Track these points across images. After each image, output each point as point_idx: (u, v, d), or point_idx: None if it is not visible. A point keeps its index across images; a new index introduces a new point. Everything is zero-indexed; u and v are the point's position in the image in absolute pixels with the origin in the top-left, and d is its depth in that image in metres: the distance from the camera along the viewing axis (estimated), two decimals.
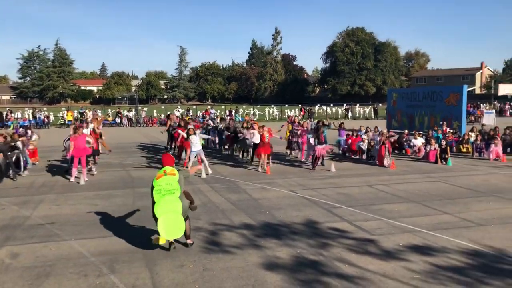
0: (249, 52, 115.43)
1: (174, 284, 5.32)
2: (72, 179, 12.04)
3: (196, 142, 12.94)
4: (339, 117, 43.32)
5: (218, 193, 10.51)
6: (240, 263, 6.00)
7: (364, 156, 15.97)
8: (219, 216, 8.47)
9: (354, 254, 6.29)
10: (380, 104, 49.25)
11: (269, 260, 6.10)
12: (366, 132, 17.46)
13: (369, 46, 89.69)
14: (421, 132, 19.74)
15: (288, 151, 16.82)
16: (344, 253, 6.32)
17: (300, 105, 50.72)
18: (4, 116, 36.83)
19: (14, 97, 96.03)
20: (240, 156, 16.48)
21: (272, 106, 49.82)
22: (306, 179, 12.26)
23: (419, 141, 17.00)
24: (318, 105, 53.41)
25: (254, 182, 11.80)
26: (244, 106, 52.07)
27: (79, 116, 36.47)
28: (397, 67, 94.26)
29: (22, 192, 10.79)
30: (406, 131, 19.31)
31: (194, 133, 13.04)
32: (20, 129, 16.59)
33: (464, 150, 17.26)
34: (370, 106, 48.76)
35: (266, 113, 45.26)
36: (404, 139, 17.71)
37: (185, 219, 6.46)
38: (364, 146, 15.83)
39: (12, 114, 37.39)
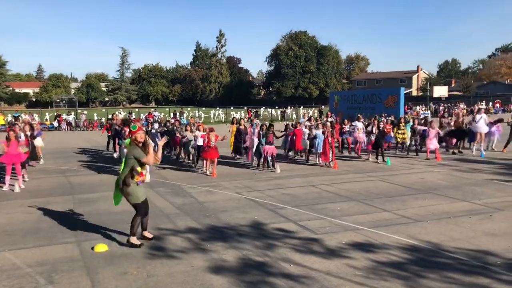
0: (193, 54, 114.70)
1: None
2: (6, 187, 11.39)
3: None
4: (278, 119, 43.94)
5: (162, 197, 10.34)
6: (185, 267, 5.93)
7: (305, 157, 16.18)
8: (163, 220, 8.33)
9: (299, 253, 6.40)
10: (323, 106, 50.45)
11: (215, 263, 6.07)
12: (309, 120, 17.58)
13: (312, 50, 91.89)
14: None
15: (233, 154, 16.83)
16: (289, 253, 6.41)
17: (246, 107, 50.99)
18: None
19: None
20: (186, 159, 16.31)
21: (218, 108, 49.78)
22: (252, 181, 12.33)
23: (360, 124, 17.20)
24: (264, 107, 54.00)
25: (200, 185, 11.72)
26: (189, 109, 51.63)
27: (13, 120, 34.61)
28: (338, 70, 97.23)
29: None
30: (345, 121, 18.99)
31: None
32: None
33: (400, 136, 17.43)
34: (314, 108, 49.92)
35: (212, 116, 45.18)
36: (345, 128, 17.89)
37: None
38: (306, 134, 15.73)
39: None
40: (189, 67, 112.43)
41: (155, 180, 12.47)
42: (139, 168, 6.70)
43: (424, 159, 15.89)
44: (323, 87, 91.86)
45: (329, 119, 19.55)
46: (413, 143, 17.33)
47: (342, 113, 25.87)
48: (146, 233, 7.12)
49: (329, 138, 14.35)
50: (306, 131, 15.86)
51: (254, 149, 14.70)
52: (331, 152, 14.38)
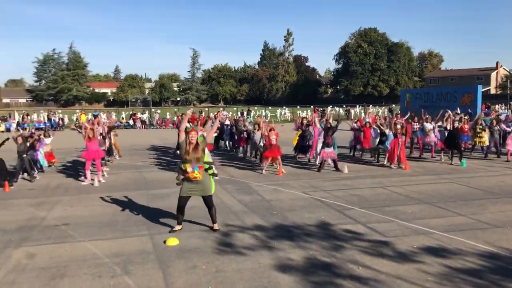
0: (261, 54, 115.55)
1: (187, 285, 5.34)
2: (87, 181, 12.16)
3: None
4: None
5: (230, 194, 10.53)
6: (252, 264, 6.01)
7: (374, 158, 15.76)
8: (231, 217, 8.49)
9: (367, 256, 6.26)
10: (393, 105, 48.86)
11: (281, 261, 6.09)
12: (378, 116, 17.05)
13: (382, 47, 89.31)
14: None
15: (296, 153, 16.70)
16: (358, 255, 6.29)
17: (312, 106, 50.60)
18: (21, 118, 37.43)
19: (30, 100, 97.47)
20: (254, 158, 16.49)
21: (284, 107, 49.85)
22: (318, 180, 12.22)
23: (430, 126, 16.36)
24: (331, 106, 53.29)
25: (266, 183, 11.81)
26: (256, 108, 52.16)
27: (93, 118, 36.83)
28: (410, 67, 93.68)
29: (38, 194, 10.95)
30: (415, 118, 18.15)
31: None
32: (33, 131, 16.82)
33: (478, 140, 16.12)
34: (384, 107, 48.49)
35: (278, 115, 45.31)
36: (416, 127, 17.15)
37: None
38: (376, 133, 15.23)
39: (28, 117, 37.93)
40: (256, 66, 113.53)
41: (223, 177, 12.73)
42: (183, 166, 7.20)
43: (504, 161, 14.90)
44: (394, 85, 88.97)
45: (399, 121, 18.77)
46: (492, 144, 16.23)
47: (414, 112, 24.90)
48: (214, 226, 7.64)
49: (400, 140, 13.86)
50: (376, 129, 15.42)
51: (318, 149, 14.54)
52: (399, 153, 13.86)
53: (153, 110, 48.37)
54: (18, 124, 35.69)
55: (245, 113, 41.31)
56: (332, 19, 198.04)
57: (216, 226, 7.62)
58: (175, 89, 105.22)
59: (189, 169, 7.17)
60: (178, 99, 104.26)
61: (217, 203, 9.57)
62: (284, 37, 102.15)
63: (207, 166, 7.59)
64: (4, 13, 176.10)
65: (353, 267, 5.85)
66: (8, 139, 12.49)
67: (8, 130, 34.49)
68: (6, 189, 11.30)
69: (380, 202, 9.56)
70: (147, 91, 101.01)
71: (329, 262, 6.06)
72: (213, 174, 7.88)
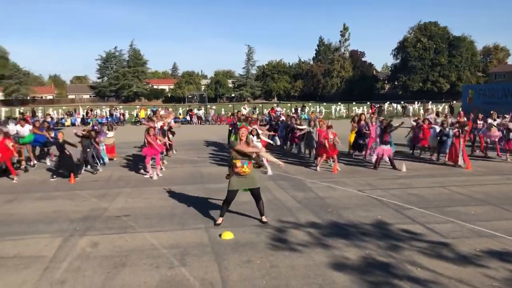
0: (316, 49, 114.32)
1: (242, 279, 5.41)
2: (148, 174, 12.57)
3: (256, 142, 12.94)
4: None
5: (284, 191, 10.53)
6: (307, 261, 5.98)
7: (434, 156, 15.15)
8: (285, 213, 8.49)
9: (426, 257, 6.04)
10: (454, 102, 46.75)
11: (336, 259, 6.02)
12: (437, 115, 16.30)
13: (443, 41, 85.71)
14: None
15: (351, 151, 16.39)
16: (416, 256, 6.09)
17: (368, 102, 49.45)
18: (85, 114, 39.39)
19: (93, 96, 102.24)
20: (308, 155, 16.39)
21: (339, 103, 49.03)
22: (375, 178, 11.95)
23: (494, 122, 15.42)
24: (388, 102, 51.84)
25: (320, 180, 11.70)
26: (310, 104, 51.70)
27: (152, 114, 38.05)
28: (473, 62, 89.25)
29: (101, 185, 11.48)
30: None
31: (257, 134, 13.10)
32: (96, 126, 17.66)
33: None
34: (444, 104, 46.55)
35: (333, 111, 44.63)
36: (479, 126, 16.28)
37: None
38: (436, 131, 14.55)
39: (92, 112, 39.83)
40: (311, 62, 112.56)
41: (277, 174, 12.74)
42: (235, 161, 7.42)
43: None
44: (455, 80, 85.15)
45: (462, 119, 17.87)
46: None
47: (477, 109, 23.71)
48: (262, 218, 7.83)
49: (461, 139, 13.26)
50: (436, 128, 14.81)
51: (373, 147, 14.18)
52: (461, 153, 13.25)
53: (208, 106, 49.21)
54: (82, 119, 37.60)
55: (299, 109, 41.16)
56: (390, 13, 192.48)
57: (264, 219, 7.80)
58: (230, 85, 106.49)
59: (238, 164, 7.41)
60: (233, 95, 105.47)
61: (270, 198, 9.65)
62: (340, 32, 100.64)
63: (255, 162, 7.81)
64: (70, 13, 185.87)
65: (411, 268, 5.68)
66: (82, 139, 13.20)
67: (73, 124, 36.40)
68: (72, 180, 11.94)
69: (440, 202, 9.20)
70: (203, 88, 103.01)
71: (386, 262, 5.91)
72: (259, 165, 8.06)
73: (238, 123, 8.27)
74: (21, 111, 40.61)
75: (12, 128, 14.87)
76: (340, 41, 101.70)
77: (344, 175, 12.50)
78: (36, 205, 9.49)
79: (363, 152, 15.53)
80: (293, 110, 40.03)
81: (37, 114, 38.83)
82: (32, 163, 14.71)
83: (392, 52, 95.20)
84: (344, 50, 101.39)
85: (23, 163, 14.15)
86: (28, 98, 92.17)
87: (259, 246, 6.61)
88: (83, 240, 7.05)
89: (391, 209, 8.71)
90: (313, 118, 16.29)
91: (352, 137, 16.16)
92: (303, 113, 39.02)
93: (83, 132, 13.42)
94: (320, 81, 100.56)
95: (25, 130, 14.89)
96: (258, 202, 7.78)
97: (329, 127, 13.30)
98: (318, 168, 13.38)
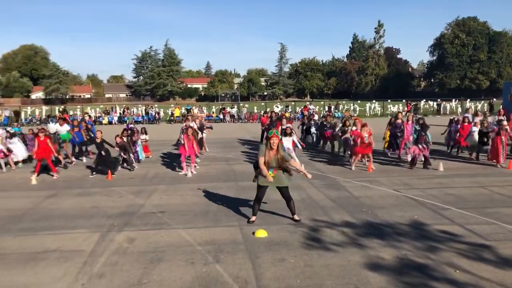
0: (350, 47, 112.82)
1: (275, 278, 5.40)
2: (183, 172, 12.73)
3: (287, 140, 12.86)
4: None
5: (317, 190, 10.46)
6: (341, 261, 5.91)
7: (473, 155, 14.67)
8: (319, 212, 8.43)
9: (466, 259, 5.87)
10: (495, 99, 45.17)
11: (372, 260, 5.92)
12: (475, 114, 15.79)
13: (482, 37, 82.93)
14: None
15: (387, 150, 16.07)
16: (455, 258, 5.92)
17: (404, 100, 48.43)
18: (122, 112, 40.31)
19: (129, 95, 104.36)
20: (342, 153, 16.21)
21: (374, 101, 48.22)
22: (411, 178, 11.69)
23: None
24: (424, 100, 50.64)
25: (355, 179, 11.55)
26: (344, 102, 51.07)
27: (186, 112, 38.54)
28: None
29: (137, 183, 11.72)
30: None
31: (290, 134, 13.04)
32: (131, 125, 18.13)
33: None
34: (483, 101, 45.05)
35: (367, 109, 43.93)
36: None
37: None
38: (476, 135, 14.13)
39: (128, 111, 40.71)
40: (345, 59, 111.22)
41: (310, 172, 12.58)
42: (263, 171, 7.45)
43: None
44: (495, 77, 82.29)
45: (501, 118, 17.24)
46: None
47: None
48: (294, 217, 7.79)
49: (502, 137, 12.79)
50: (475, 128, 14.35)
51: (409, 145, 13.87)
52: (502, 152, 12.79)
53: (241, 104, 49.43)
54: (119, 117, 38.50)
55: (333, 107, 40.77)
56: (427, 9, 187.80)
57: (296, 217, 7.78)
58: (263, 83, 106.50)
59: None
60: (265, 93, 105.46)
61: (304, 197, 9.60)
62: (375, 28, 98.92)
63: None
64: (107, 14, 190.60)
65: (450, 270, 5.53)
66: (125, 140, 13.57)
67: (110, 123, 37.33)
68: (109, 177, 12.24)
69: (480, 202, 8.91)
70: (235, 86, 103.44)
71: (423, 263, 5.78)
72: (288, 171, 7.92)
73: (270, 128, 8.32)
74: (60, 109, 41.95)
75: (52, 127, 15.38)
76: (374, 38, 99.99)
77: (379, 174, 12.30)
78: (75, 200, 9.78)
79: (397, 151, 15.24)
80: (326, 108, 39.72)
81: (74, 112, 39.99)
82: (70, 161, 15.16)
83: (428, 49, 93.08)
84: (379, 47, 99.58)
85: (62, 160, 14.59)
86: (67, 97, 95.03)
87: (293, 245, 6.58)
88: (120, 235, 7.21)
89: (428, 209, 8.50)
90: (347, 117, 16.10)
91: (387, 136, 15.87)
92: (336, 111, 38.63)
93: (119, 140, 13.65)
94: (354, 79, 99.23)
95: (64, 128, 15.37)
96: (288, 202, 7.74)
97: (363, 125, 13.11)
98: (352, 167, 13.22)
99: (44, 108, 46.88)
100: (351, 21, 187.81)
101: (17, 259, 6.22)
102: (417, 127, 13.22)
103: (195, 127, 15.35)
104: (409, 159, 13.34)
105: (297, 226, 7.49)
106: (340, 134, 15.56)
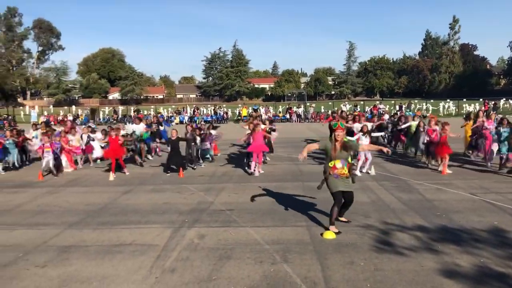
0: (422, 44, 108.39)
1: (345, 280, 5.31)
2: (251, 171, 12.88)
3: (365, 138, 12.60)
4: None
5: (388, 192, 10.14)
6: (414, 266, 5.69)
7: None
8: (389, 215, 8.17)
9: None
10: None
11: (447, 266, 5.64)
12: None
13: None
14: None
15: (468, 152, 15.22)
16: None
17: (481, 99, 45.70)
18: (192, 112, 41.60)
19: (199, 95, 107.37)
20: (415, 154, 15.62)
21: (448, 100, 45.97)
22: (489, 181, 11.00)
23: None
24: (504, 99, 47.46)
25: (428, 182, 11.06)
26: (416, 101, 49.11)
27: (253, 112, 39.00)
28: None
29: (206, 180, 12.03)
30: None
31: (367, 132, 12.74)
32: (201, 124, 18.63)
33: None
34: None
35: (441, 108, 42.01)
36: None
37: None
38: None
39: (198, 111, 41.96)
40: (416, 57, 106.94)
41: (380, 174, 12.33)
42: (331, 163, 7.16)
43: None
44: None
45: None
46: None
47: None
48: (341, 218, 7.65)
49: None
50: None
51: (491, 147, 13.03)
52: None
53: (308, 104, 49.15)
54: (190, 117, 39.75)
55: (405, 106, 39.35)
56: (507, 1, 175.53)
57: (344, 219, 7.66)
58: (330, 82, 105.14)
59: (338, 165, 7.13)
60: (333, 92, 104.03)
61: (374, 199, 9.36)
62: (449, 24, 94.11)
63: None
64: (178, 17, 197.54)
65: None
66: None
67: (181, 122, 38.63)
68: (181, 175, 12.67)
69: None
70: (302, 86, 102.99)
71: (505, 272, 5.41)
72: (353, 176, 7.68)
73: (333, 124, 7.96)
74: (135, 109, 44.07)
75: (129, 126, 16.20)
76: (449, 34, 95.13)
77: (454, 176, 11.70)
78: (149, 197, 10.23)
79: (475, 152, 14.42)
80: (397, 108, 38.44)
81: (148, 112, 41.80)
82: (143, 159, 15.84)
83: (509, 44, 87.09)
84: (454, 44, 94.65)
85: (138, 158, 15.32)
86: (142, 97, 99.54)
87: (363, 247, 6.43)
88: (191, 231, 7.43)
89: (508, 215, 7.96)
90: (420, 116, 15.49)
91: (468, 136, 15.03)
92: (408, 110, 37.28)
93: (190, 129, 14.08)
94: (426, 77, 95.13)
95: (140, 127, 16.12)
96: (348, 205, 7.43)
97: (444, 124, 12.51)
98: (440, 167, 12.65)
99: (121, 108, 49.50)
100: (424, 17, 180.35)
101: (96, 251, 6.61)
102: (501, 128, 12.41)
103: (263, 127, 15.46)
104: (489, 162, 12.57)
105: (366, 229, 7.31)
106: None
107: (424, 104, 44.67)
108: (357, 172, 12.11)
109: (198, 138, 14.40)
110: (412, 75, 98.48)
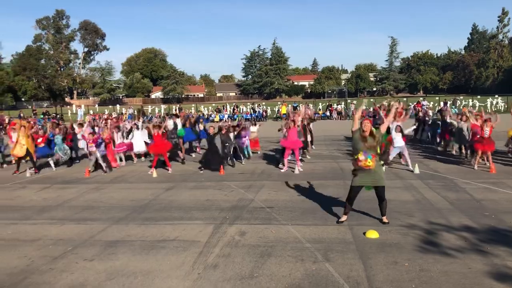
0: (468, 38, 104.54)
1: (389, 281, 5.20)
2: (284, 169, 12.82)
3: (399, 138, 12.30)
4: None
5: (433, 190, 9.85)
6: (461, 268, 5.50)
7: None
8: (434, 215, 7.93)
9: None
10: None
11: (497, 269, 5.42)
12: None
13: None
14: None
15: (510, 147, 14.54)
16: None
17: None
18: (231, 110, 41.89)
19: (239, 94, 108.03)
20: (459, 152, 15.09)
21: (496, 96, 44.07)
22: None
23: None
24: None
25: (475, 181, 10.66)
26: (461, 97, 47.38)
27: (292, 109, 38.81)
28: None
29: (246, 178, 12.09)
30: None
31: (401, 131, 12.45)
32: (240, 122, 18.73)
33: None
34: None
35: (489, 105, 40.32)
36: None
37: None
38: None
39: (237, 109, 42.20)
40: (462, 52, 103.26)
41: (424, 172, 11.99)
42: (355, 155, 7.17)
43: None
44: None
45: None
46: None
47: None
48: (383, 218, 7.50)
49: None
50: None
51: None
52: None
53: (349, 101, 48.43)
54: (230, 115, 40.07)
55: (450, 102, 38.09)
56: None
57: (385, 219, 7.46)
58: (371, 79, 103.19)
59: (361, 157, 7.07)
60: (374, 89, 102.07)
61: (419, 198, 9.12)
62: (498, 17, 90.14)
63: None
64: (218, 16, 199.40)
65: None
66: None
67: (221, 120, 39.00)
68: (221, 172, 12.79)
69: None
70: (342, 82, 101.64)
71: None
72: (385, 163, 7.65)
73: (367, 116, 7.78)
74: (176, 108, 44.87)
75: (170, 123, 16.50)
76: (497, 28, 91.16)
77: (504, 175, 11.22)
78: (191, 193, 10.39)
79: None
80: (441, 104, 37.24)
81: (189, 111, 42.47)
82: (182, 156, 16.05)
83: None
84: (503, 37, 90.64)
85: (181, 154, 15.60)
86: (183, 96, 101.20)
87: (407, 247, 6.28)
88: (232, 228, 7.49)
89: None
90: (465, 112, 14.94)
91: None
92: (453, 107, 36.05)
93: (224, 131, 14.17)
94: (473, 72, 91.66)
95: (177, 124, 16.41)
96: (381, 202, 7.40)
97: (485, 120, 12.07)
98: (475, 166, 12.22)
99: (163, 106, 50.54)
100: (470, 11, 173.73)
101: (140, 246, 6.78)
102: None
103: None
104: None
105: (409, 228, 7.13)
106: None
107: (470, 100, 43.04)
108: (415, 170, 12.00)
109: (232, 135, 14.48)
110: (458, 71, 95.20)
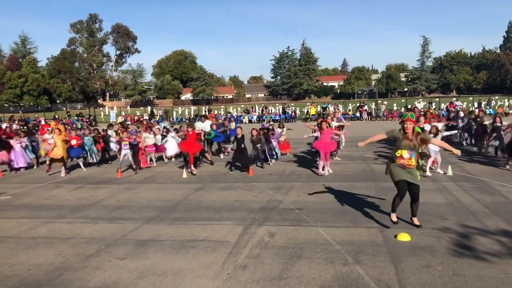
0: (504, 36, 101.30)
1: (421, 284, 5.09)
2: (319, 172, 12.70)
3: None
4: None
5: (466, 193, 9.59)
6: (497, 273, 5.33)
7: None
8: (469, 218, 7.72)
9: None
10: None
11: None
12: None
13: None
14: None
15: None
16: None
17: None
18: (260, 111, 41.98)
19: (267, 95, 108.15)
20: (495, 153, 14.66)
21: None
22: None
23: None
24: None
25: (511, 183, 10.34)
26: (496, 97, 46.01)
27: (321, 111, 38.59)
28: None
29: (275, 179, 12.08)
30: None
31: (436, 133, 12.14)
32: (267, 125, 18.76)
33: None
34: None
35: None
36: None
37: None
38: None
39: (266, 110, 42.24)
40: (497, 51, 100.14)
41: (457, 174, 11.70)
42: (398, 152, 7.09)
43: None
44: None
45: None
46: None
47: None
48: (414, 220, 7.32)
49: None
50: None
51: None
52: None
53: (379, 101, 47.75)
54: (258, 116, 40.17)
55: (484, 103, 37.06)
56: None
57: (416, 221, 7.30)
58: (403, 79, 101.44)
59: (405, 155, 7.01)
60: (405, 89, 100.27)
61: (452, 201, 8.91)
62: None
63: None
64: (247, 17, 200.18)
65: None
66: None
67: (250, 121, 39.14)
68: (250, 173, 12.82)
69: None
70: (373, 83, 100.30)
71: None
72: (421, 168, 7.51)
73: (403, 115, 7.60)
74: (206, 109, 45.30)
75: (197, 125, 16.66)
76: None
77: None
78: (220, 194, 10.46)
79: None
80: (475, 105, 36.28)
81: (219, 112, 42.78)
82: (209, 158, 16.13)
83: None
84: None
85: (208, 156, 15.72)
86: (212, 97, 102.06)
87: (440, 251, 6.13)
88: (262, 229, 7.50)
89: None
90: (501, 113, 14.50)
91: None
92: (488, 107, 35.06)
93: (255, 133, 14.18)
94: (508, 72, 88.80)
95: (206, 125, 16.54)
96: (414, 202, 7.21)
97: None
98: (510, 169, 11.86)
99: (193, 108, 51.12)
100: (506, 7, 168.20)
101: (170, 245, 6.87)
102: None
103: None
104: None
105: (443, 231, 6.96)
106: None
107: (506, 100, 41.72)
108: (448, 172, 11.67)
109: (263, 139, 14.47)
110: (492, 70, 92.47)
